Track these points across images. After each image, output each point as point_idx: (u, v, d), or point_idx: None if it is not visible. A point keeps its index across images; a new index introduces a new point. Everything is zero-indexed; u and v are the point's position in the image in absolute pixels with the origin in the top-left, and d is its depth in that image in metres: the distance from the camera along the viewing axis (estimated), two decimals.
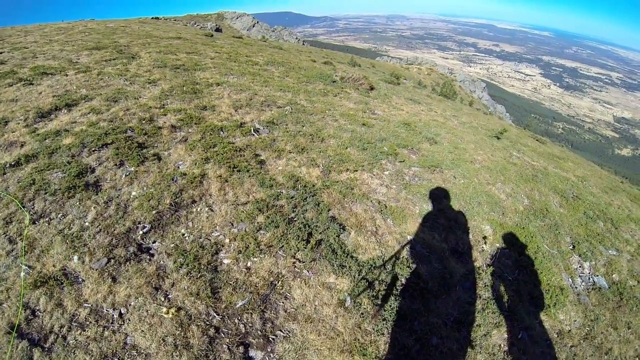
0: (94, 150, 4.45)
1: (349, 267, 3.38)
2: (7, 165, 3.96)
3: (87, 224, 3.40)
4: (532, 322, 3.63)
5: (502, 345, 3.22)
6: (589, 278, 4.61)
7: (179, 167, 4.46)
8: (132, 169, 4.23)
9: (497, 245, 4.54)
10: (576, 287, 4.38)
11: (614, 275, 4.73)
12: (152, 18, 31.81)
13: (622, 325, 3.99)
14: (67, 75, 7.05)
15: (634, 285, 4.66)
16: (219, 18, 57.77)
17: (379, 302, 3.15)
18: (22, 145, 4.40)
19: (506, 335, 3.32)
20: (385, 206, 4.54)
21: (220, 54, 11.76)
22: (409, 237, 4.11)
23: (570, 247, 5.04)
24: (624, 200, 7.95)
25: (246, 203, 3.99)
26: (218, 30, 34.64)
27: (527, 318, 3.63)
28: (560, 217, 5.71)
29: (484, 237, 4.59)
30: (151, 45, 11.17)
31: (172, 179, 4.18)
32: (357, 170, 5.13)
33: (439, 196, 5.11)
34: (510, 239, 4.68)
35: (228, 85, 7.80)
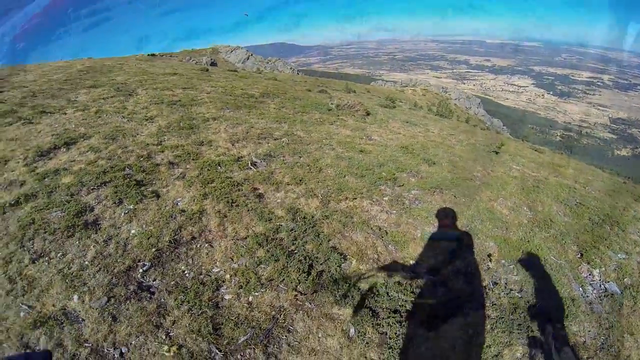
0: (92, 189, 4.47)
1: (352, 296, 3.35)
2: (7, 205, 3.98)
3: (86, 262, 3.40)
4: (545, 337, 3.53)
5: None
6: (600, 285, 4.50)
7: (177, 204, 4.49)
8: (131, 206, 4.25)
9: (503, 261, 4.46)
10: (587, 296, 4.27)
11: (625, 279, 4.60)
12: (149, 55, 32.33)
13: (639, 330, 3.86)
14: (65, 114, 7.18)
15: None
16: (213, 52, 58.35)
17: (384, 330, 3.10)
18: (21, 185, 4.44)
19: (518, 355, 3.22)
20: (386, 232, 4.50)
21: (215, 88, 11.94)
22: (412, 262, 4.07)
23: (578, 256, 4.95)
24: (628, 201, 7.86)
25: (246, 237, 4.00)
26: (213, 64, 35.42)
27: (539, 333, 3.54)
28: (565, 226, 5.62)
29: (489, 255, 4.52)
30: (148, 82, 11.36)
31: (171, 216, 4.20)
32: (356, 198, 5.11)
33: (440, 217, 5.06)
34: (516, 254, 4.60)
35: (224, 119, 7.89)
